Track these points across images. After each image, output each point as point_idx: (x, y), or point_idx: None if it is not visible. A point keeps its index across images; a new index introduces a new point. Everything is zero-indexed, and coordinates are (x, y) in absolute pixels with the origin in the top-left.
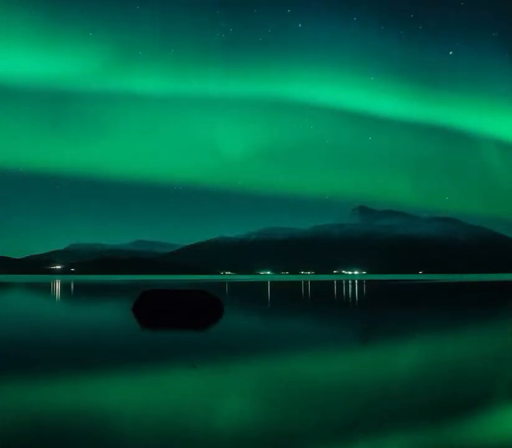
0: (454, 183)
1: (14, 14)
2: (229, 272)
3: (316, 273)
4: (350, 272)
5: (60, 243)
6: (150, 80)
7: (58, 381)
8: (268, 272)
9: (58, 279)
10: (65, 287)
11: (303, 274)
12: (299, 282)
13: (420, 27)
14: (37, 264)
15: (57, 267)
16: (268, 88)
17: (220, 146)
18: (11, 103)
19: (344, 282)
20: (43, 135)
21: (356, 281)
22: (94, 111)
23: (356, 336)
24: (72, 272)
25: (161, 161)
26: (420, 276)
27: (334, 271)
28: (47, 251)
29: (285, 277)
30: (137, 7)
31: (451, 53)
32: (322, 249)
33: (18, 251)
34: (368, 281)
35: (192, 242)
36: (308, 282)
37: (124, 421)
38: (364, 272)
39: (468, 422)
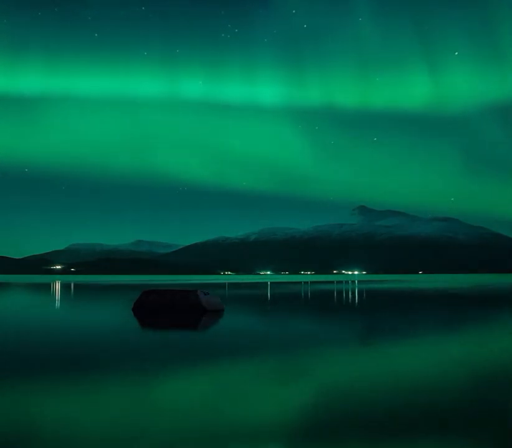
0: (456, 183)
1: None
2: (229, 272)
3: (316, 273)
4: (350, 272)
5: (60, 243)
6: (151, 80)
7: (58, 381)
8: (268, 272)
9: (58, 279)
10: (65, 287)
11: (303, 274)
12: (299, 283)
13: (426, 27)
14: (37, 264)
15: (57, 267)
16: (270, 89)
17: (221, 147)
18: (13, 106)
19: (344, 282)
20: (45, 136)
21: (356, 281)
22: (97, 112)
23: (357, 336)
24: (72, 272)
25: (161, 162)
26: (420, 276)
27: (334, 271)
28: (47, 251)
29: (285, 277)
30: (143, 8)
31: (457, 53)
32: (322, 249)
33: (18, 251)
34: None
35: (192, 242)
36: (307, 282)
37: (125, 421)
38: (364, 272)
39: (469, 421)
